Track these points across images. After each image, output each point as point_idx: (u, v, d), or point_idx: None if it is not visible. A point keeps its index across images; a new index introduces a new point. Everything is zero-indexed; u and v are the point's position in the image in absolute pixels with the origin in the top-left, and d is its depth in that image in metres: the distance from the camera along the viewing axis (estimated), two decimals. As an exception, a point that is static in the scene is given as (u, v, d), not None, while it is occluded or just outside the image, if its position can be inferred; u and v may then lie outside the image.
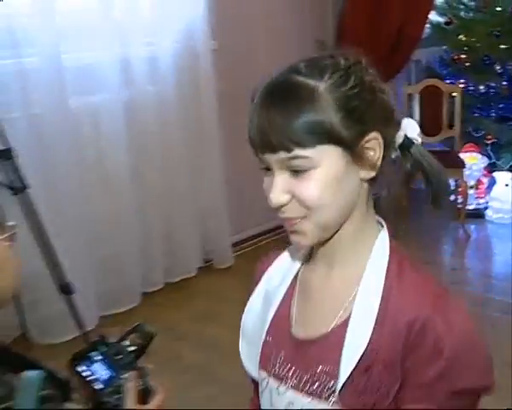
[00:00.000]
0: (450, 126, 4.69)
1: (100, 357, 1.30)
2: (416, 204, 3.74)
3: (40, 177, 3.10)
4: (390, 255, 1.08)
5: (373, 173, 1.04)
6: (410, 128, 1.11)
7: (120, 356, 1.32)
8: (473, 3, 5.11)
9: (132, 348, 1.33)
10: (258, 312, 1.22)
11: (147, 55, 3.69)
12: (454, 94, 4.65)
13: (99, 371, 1.29)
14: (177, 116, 3.83)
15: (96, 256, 3.45)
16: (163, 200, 3.78)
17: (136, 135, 3.62)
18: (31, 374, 1.18)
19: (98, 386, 1.26)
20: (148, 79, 3.68)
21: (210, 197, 4.06)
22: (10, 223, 1.25)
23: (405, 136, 1.09)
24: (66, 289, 2.75)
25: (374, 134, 1.03)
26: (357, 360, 1.02)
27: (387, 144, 1.05)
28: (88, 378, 1.27)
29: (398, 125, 1.08)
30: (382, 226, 1.13)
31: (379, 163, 1.05)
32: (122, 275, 3.57)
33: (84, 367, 1.28)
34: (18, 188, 2.69)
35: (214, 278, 4.05)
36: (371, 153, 1.03)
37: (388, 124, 1.05)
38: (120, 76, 3.53)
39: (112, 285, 3.53)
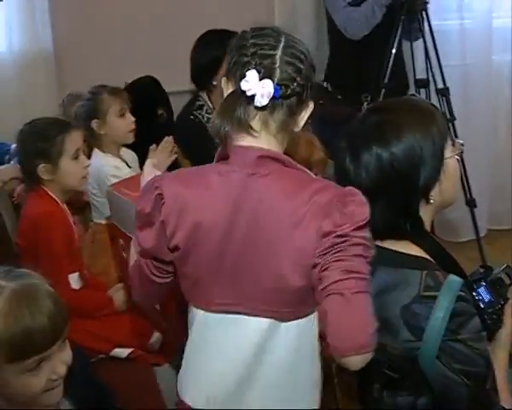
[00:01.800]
0: None
1: (484, 283, 1.63)
2: None
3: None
4: None
5: None
6: None
7: (498, 286, 1.65)
8: None
9: (508, 282, 1.66)
10: None
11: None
12: None
13: (483, 294, 1.62)
14: None
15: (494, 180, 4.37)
16: None
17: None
18: (453, 278, 1.50)
19: (481, 305, 1.60)
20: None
21: None
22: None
23: None
24: (470, 203, 3.73)
25: None
26: None
27: None
28: (476, 297, 1.60)
29: None
30: None
31: None
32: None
33: (474, 289, 1.61)
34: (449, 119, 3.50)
35: None
36: None
37: None
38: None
39: (501, 207, 4.40)
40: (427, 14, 3.48)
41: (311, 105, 1.56)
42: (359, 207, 1.40)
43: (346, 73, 3.68)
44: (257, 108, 1.44)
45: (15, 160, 2.84)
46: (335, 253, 1.36)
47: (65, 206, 2.54)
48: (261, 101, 1.42)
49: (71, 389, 1.44)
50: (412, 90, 3.71)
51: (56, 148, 2.42)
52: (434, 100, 3.43)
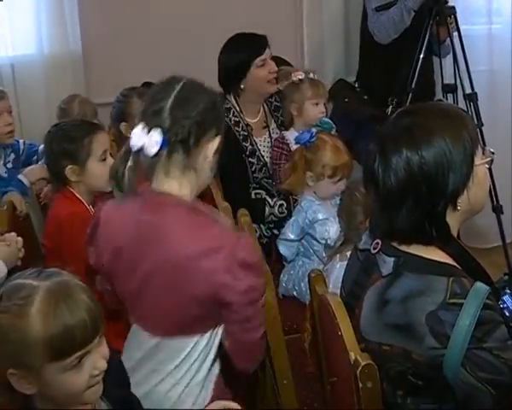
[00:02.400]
0: None
1: (509, 291, 1.62)
2: None
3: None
4: None
5: None
6: None
7: None
8: None
9: None
10: None
11: None
12: None
13: (507, 302, 1.60)
14: None
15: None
16: None
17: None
18: (480, 286, 1.49)
19: (506, 313, 1.58)
20: None
21: None
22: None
23: None
24: (497, 209, 3.69)
25: None
26: None
27: None
28: (500, 306, 1.58)
29: None
30: None
31: None
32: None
33: (499, 297, 1.59)
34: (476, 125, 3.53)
35: None
36: None
37: None
38: None
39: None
40: (455, 19, 3.46)
41: (218, 139, 1.73)
42: (248, 278, 1.63)
43: (374, 74, 3.70)
44: (151, 157, 1.60)
45: (43, 160, 2.87)
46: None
47: (91, 207, 2.55)
48: (151, 150, 1.57)
49: (105, 390, 1.43)
50: (440, 95, 3.71)
51: (84, 149, 2.43)
52: (462, 105, 3.42)
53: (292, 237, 2.61)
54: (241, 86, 3.12)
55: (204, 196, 2.05)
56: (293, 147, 3.07)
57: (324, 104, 3.16)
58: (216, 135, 1.72)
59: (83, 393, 1.37)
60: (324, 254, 2.63)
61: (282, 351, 2.12)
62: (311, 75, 3.14)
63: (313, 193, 2.63)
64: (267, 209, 2.97)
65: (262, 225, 3.10)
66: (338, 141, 2.71)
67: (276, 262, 2.88)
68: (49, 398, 1.38)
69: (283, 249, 2.65)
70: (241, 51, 3.09)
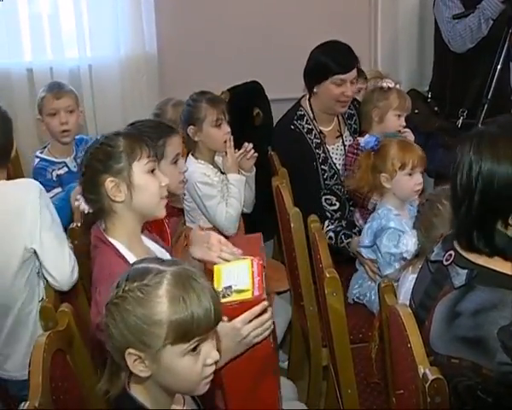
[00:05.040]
0: None
1: None
2: None
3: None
4: None
5: None
6: None
7: None
8: None
9: None
10: None
11: None
12: None
13: None
14: None
15: None
16: None
17: None
18: None
19: None
20: None
21: None
22: None
23: None
24: None
25: None
26: None
27: None
28: None
29: None
30: None
31: None
32: None
33: None
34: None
35: None
36: None
37: None
38: None
39: None
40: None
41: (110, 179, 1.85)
42: None
43: (447, 85, 3.63)
44: None
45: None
46: None
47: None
48: None
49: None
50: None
51: (157, 151, 2.45)
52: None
53: (367, 242, 2.59)
54: (315, 90, 3.11)
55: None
56: (365, 153, 3.06)
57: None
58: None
59: (199, 382, 1.40)
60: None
61: (347, 361, 2.10)
62: (398, 86, 3.10)
63: (392, 198, 2.60)
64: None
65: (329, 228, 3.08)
66: (405, 139, 2.69)
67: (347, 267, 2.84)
68: (160, 385, 1.41)
69: (368, 255, 2.63)
70: (329, 58, 3.04)
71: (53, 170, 2.93)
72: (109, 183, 1.85)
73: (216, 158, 2.99)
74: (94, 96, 3.73)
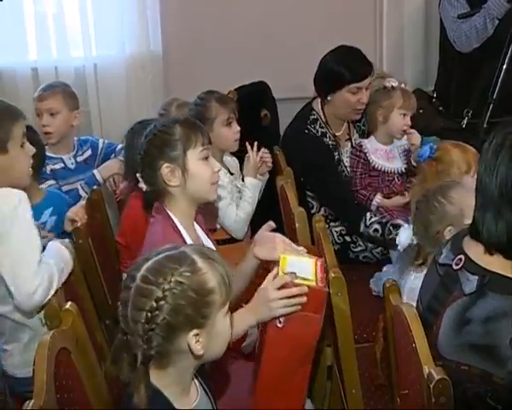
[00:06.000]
0: None
1: None
2: None
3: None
4: None
5: None
6: None
7: None
8: None
9: None
10: None
11: None
12: None
13: None
14: None
15: None
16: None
17: None
18: None
19: None
20: None
21: None
22: None
23: None
24: None
25: None
26: None
27: None
28: None
29: None
30: None
31: None
32: None
33: None
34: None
35: None
36: None
37: None
38: None
39: None
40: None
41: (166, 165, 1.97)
42: None
43: (452, 85, 3.63)
44: None
45: (120, 156, 2.94)
46: None
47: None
48: None
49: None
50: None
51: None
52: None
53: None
54: (328, 98, 3.08)
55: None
56: (371, 156, 3.05)
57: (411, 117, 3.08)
58: None
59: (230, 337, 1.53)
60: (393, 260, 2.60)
61: (352, 361, 2.10)
62: (403, 85, 3.08)
63: None
64: (362, 226, 2.92)
65: (334, 231, 3.08)
66: (459, 143, 2.64)
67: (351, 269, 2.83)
68: (209, 356, 1.49)
69: None
70: (344, 67, 3.02)
71: (47, 164, 2.92)
72: (165, 168, 1.96)
73: (224, 158, 2.98)
74: (99, 95, 3.74)
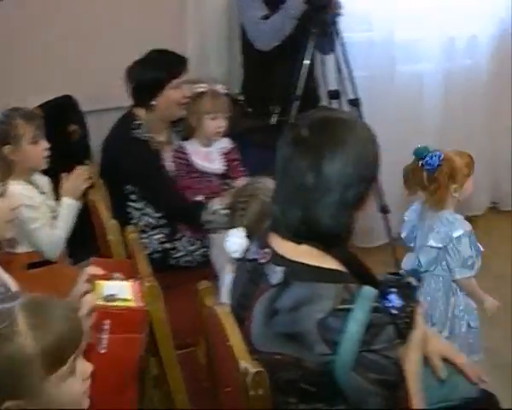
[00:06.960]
0: None
1: (395, 290, 1.70)
2: None
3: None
4: None
5: None
6: None
7: (408, 290, 1.73)
8: None
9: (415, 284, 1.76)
10: None
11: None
12: None
13: (394, 300, 1.68)
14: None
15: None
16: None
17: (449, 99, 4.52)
18: (367, 290, 1.54)
19: (394, 311, 1.67)
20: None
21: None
22: None
23: None
24: (383, 209, 3.83)
25: None
26: None
27: None
28: (386, 305, 1.65)
29: None
30: None
31: None
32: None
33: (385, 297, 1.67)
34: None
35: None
36: None
37: None
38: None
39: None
40: (337, 27, 3.54)
41: None
42: None
43: (256, 85, 3.70)
44: None
45: None
46: None
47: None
48: None
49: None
50: (325, 101, 3.77)
51: None
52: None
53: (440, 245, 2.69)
54: (152, 103, 3.05)
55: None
56: (193, 158, 3.08)
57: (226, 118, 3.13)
58: None
59: (82, 399, 1.39)
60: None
61: (174, 367, 2.10)
62: (219, 87, 3.11)
63: (453, 205, 2.71)
64: (205, 215, 2.91)
65: (154, 239, 3.05)
66: (454, 150, 2.76)
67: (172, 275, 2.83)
68: None
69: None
70: (159, 69, 3.02)
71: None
72: None
73: (33, 177, 2.85)
74: None
